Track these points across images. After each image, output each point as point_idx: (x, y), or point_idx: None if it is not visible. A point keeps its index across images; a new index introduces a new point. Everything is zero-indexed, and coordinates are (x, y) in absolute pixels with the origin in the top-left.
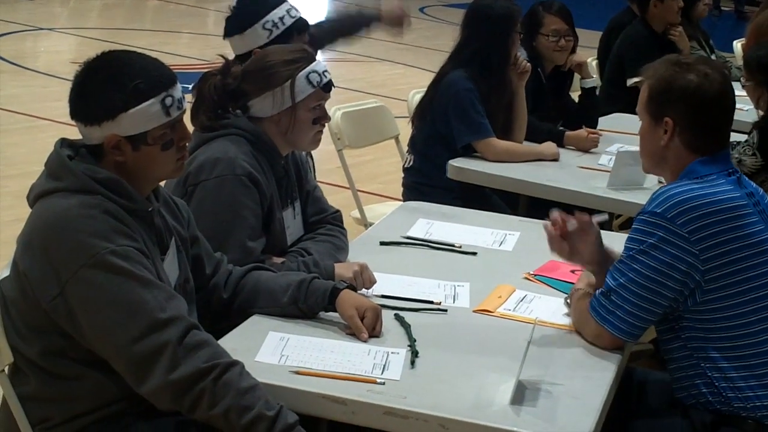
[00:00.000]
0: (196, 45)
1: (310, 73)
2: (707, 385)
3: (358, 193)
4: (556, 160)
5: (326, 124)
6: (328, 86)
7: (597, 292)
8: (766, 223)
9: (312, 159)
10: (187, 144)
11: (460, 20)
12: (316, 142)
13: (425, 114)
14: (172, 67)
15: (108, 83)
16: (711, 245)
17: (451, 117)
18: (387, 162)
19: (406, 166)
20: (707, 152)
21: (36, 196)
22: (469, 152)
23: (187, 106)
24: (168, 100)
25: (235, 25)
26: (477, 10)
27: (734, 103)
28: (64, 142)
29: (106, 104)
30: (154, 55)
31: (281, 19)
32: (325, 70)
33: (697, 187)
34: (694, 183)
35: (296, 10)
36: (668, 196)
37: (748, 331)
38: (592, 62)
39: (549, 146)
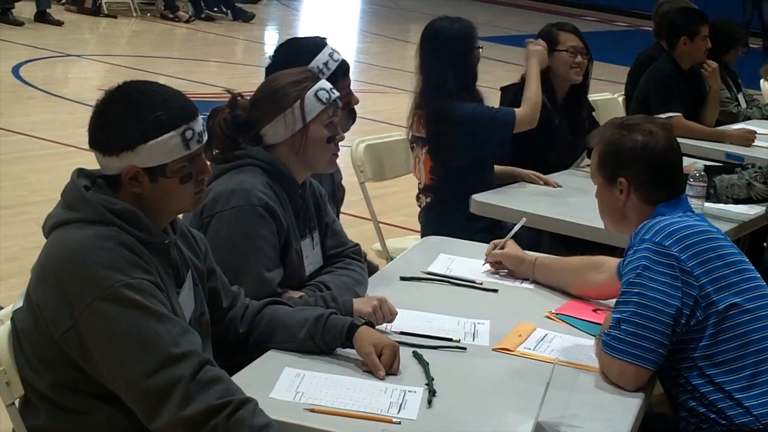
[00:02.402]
0: (224, 74)
1: (318, 90)
2: (708, 411)
3: (383, 225)
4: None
5: (350, 157)
6: (337, 102)
7: (606, 329)
8: (738, 253)
9: (343, 190)
10: (206, 178)
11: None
12: (333, 163)
13: (433, 154)
14: (199, 96)
15: (128, 114)
16: (699, 263)
17: (488, 132)
18: (412, 194)
19: (421, 205)
20: (667, 200)
21: (51, 227)
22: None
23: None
24: (188, 133)
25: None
26: (435, 35)
27: (681, 153)
28: (81, 172)
29: (126, 135)
30: (181, 83)
31: (325, 64)
32: (332, 87)
33: (675, 220)
34: (669, 217)
35: (338, 53)
36: (650, 227)
37: (748, 339)
38: (618, 98)
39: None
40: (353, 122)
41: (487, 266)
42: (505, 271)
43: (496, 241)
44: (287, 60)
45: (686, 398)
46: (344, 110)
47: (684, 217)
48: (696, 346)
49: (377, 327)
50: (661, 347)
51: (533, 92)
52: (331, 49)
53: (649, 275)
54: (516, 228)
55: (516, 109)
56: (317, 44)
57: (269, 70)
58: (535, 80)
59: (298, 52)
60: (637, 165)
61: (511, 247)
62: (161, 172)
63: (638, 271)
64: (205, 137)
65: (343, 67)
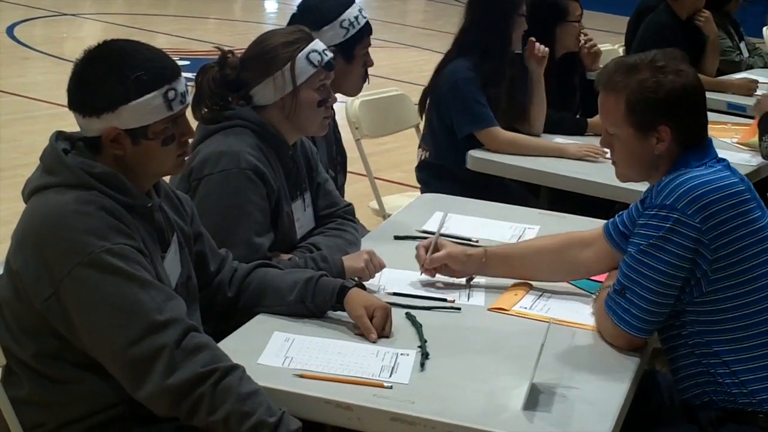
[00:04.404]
0: (223, 31)
1: (309, 52)
2: (711, 383)
3: (381, 182)
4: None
5: (345, 114)
6: (329, 65)
7: (611, 289)
8: (761, 209)
9: (343, 151)
10: (189, 140)
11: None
12: (324, 126)
13: (431, 106)
14: (197, 54)
15: (109, 74)
16: (721, 233)
17: (451, 109)
18: (410, 150)
19: (418, 161)
20: (698, 145)
21: (30, 192)
22: (472, 143)
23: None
24: (171, 94)
25: (306, 21)
26: None
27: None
28: (60, 135)
29: (106, 95)
30: (179, 41)
31: (356, 18)
32: (325, 49)
33: (702, 173)
34: (696, 170)
35: (365, 11)
36: (675, 186)
37: (754, 321)
38: (619, 49)
39: (571, 145)
40: (366, 83)
41: (424, 276)
42: (445, 277)
43: (423, 244)
44: (322, 8)
45: (687, 367)
46: (362, 69)
47: (714, 172)
48: (702, 319)
49: (369, 287)
50: (661, 316)
51: (530, 145)
52: (360, 6)
53: (664, 246)
54: (441, 223)
55: (495, 128)
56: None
57: (294, 18)
58: (540, 148)
59: (327, 4)
60: (678, 108)
61: (449, 246)
62: (143, 133)
63: (652, 240)
64: (189, 98)
65: (369, 25)
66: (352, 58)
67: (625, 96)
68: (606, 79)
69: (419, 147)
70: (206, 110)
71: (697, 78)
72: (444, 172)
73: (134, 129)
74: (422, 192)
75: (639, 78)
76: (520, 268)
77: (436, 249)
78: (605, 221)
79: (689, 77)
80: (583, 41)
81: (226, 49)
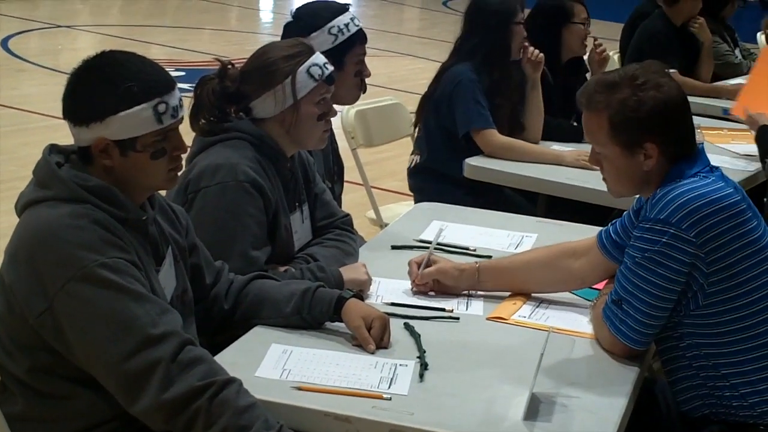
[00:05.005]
0: (219, 41)
1: (310, 66)
2: (710, 396)
3: (378, 190)
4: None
5: (341, 123)
6: (330, 78)
7: (608, 299)
8: (757, 218)
9: (340, 161)
10: (181, 155)
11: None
12: (323, 140)
13: (429, 109)
14: (192, 65)
15: (100, 84)
16: (716, 246)
17: (454, 106)
18: (407, 159)
19: (410, 167)
20: (688, 155)
21: (24, 206)
22: (469, 146)
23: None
24: (161, 107)
25: (298, 28)
26: (475, 2)
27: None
28: (53, 149)
29: (96, 105)
30: (174, 51)
31: (346, 25)
32: (326, 62)
33: (698, 185)
34: (691, 182)
35: (358, 20)
36: (670, 199)
37: (752, 333)
38: (614, 56)
39: (569, 152)
40: (363, 93)
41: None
42: (433, 292)
43: (415, 260)
44: (311, 15)
45: (686, 379)
46: (356, 78)
47: (709, 183)
48: (699, 332)
49: (366, 298)
50: (657, 328)
51: (526, 151)
52: (353, 14)
53: (660, 260)
54: (436, 238)
55: (492, 130)
56: (340, 7)
57: (288, 26)
58: (535, 154)
59: (318, 11)
60: (661, 125)
61: (441, 261)
62: (132, 145)
63: (647, 254)
64: (182, 113)
65: (362, 34)
66: (341, 65)
67: (608, 116)
68: (587, 99)
69: (412, 154)
70: (204, 122)
71: (678, 89)
72: (438, 175)
73: (123, 140)
74: (415, 200)
75: (620, 97)
76: (514, 280)
77: (429, 265)
78: (600, 229)
79: (670, 90)
80: (593, 46)
81: (226, 60)
